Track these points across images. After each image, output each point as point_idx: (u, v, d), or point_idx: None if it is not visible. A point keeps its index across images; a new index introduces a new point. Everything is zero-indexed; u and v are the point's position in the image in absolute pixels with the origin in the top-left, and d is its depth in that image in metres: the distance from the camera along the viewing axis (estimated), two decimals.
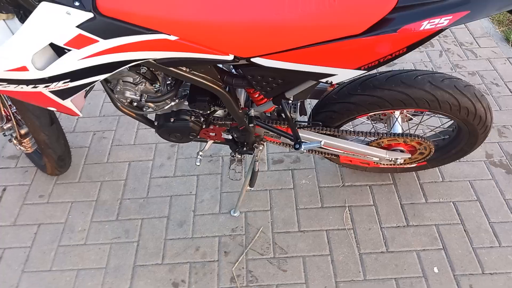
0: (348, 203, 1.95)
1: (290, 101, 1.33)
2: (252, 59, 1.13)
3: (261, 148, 1.65)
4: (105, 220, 1.93)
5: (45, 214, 1.95)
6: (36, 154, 2.03)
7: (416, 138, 1.61)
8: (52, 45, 1.04)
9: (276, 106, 1.46)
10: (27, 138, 1.82)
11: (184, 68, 1.22)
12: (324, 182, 2.04)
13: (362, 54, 1.09)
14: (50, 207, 1.98)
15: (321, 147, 1.61)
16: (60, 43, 1.02)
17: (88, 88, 1.24)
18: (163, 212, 1.95)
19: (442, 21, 1.00)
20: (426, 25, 1.01)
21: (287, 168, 2.11)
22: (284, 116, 1.45)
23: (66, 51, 1.04)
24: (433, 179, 2.03)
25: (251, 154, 1.68)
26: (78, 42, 1.03)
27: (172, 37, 1.05)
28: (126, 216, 1.94)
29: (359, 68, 1.14)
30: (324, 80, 1.19)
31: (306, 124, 1.55)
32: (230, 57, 1.12)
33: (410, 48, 1.07)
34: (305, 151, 1.43)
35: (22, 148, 1.83)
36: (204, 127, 1.54)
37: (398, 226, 1.86)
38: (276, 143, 1.68)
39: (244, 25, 1.05)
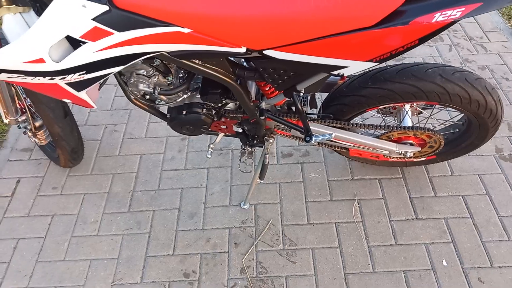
0: (357, 197, 1.96)
1: (301, 94, 1.34)
2: (264, 52, 1.15)
3: (271, 141, 1.67)
4: (117, 211, 1.96)
5: (58, 206, 1.99)
6: (49, 147, 2.06)
7: (426, 131, 1.61)
8: (68, 38, 1.06)
9: (287, 99, 1.47)
10: (42, 131, 1.85)
11: (196, 61, 1.23)
12: (334, 175, 2.05)
13: (374, 46, 1.10)
14: (63, 198, 2.02)
15: (331, 140, 1.63)
16: (76, 35, 1.04)
17: (102, 80, 1.26)
18: (174, 204, 1.98)
19: (454, 13, 1.01)
20: (438, 17, 1.02)
21: (297, 161, 2.12)
22: (294, 109, 1.47)
23: (82, 43, 1.07)
24: (442, 173, 2.03)
25: (262, 147, 1.69)
26: (93, 35, 1.05)
27: (186, 30, 1.06)
28: (138, 208, 1.97)
29: (370, 60, 1.15)
30: (335, 72, 1.20)
31: (317, 117, 1.57)
32: (243, 50, 1.13)
33: (422, 40, 1.08)
34: (315, 143, 1.44)
35: (36, 140, 1.87)
36: (215, 120, 1.56)
37: (407, 219, 1.87)
38: (286, 136, 1.69)
39: (257, 17, 1.06)
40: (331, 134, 1.41)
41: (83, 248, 1.83)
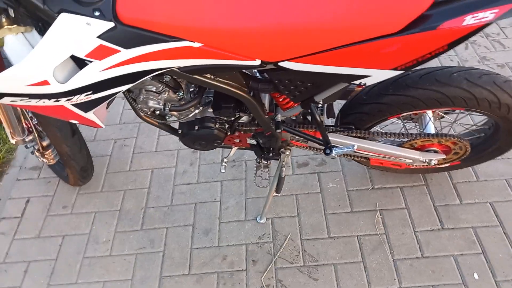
0: (379, 207, 1.88)
1: (320, 105, 1.27)
2: (280, 63, 1.07)
3: (287, 153, 1.59)
4: (129, 230, 1.90)
5: (69, 225, 1.93)
6: (58, 165, 2.01)
7: (452, 138, 1.53)
8: (73, 57, 1.01)
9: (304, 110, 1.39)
10: (50, 150, 1.80)
11: (208, 75, 1.17)
12: (353, 185, 1.97)
13: (399, 54, 1.03)
14: (74, 218, 1.96)
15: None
16: (81, 54, 0.99)
17: (110, 99, 1.20)
18: (188, 220, 1.91)
19: (487, 14, 0.92)
20: (470, 20, 0.93)
21: (313, 171, 2.04)
22: (311, 119, 1.39)
23: (88, 62, 1.01)
24: (466, 178, 1.94)
25: (277, 159, 1.62)
26: (99, 53, 0.99)
27: (196, 44, 1.00)
28: (151, 225, 1.90)
29: (395, 69, 1.07)
30: (357, 82, 1.13)
31: (338, 128, 1.48)
32: (257, 62, 1.06)
33: (452, 45, 0.99)
34: (336, 156, 1.36)
35: (44, 160, 1.81)
36: (229, 134, 1.49)
37: (433, 230, 1.78)
38: (303, 147, 1.62)
39: (271, 29, 0.99)
40: (354, 146, 1.33)
41: (95, 270, 1.77)
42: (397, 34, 0.98)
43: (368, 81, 1.12)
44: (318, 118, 1.32)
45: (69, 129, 1.71)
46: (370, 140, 1.56)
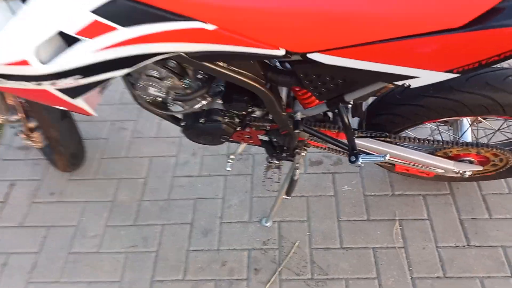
0: (398, 216, 1.69)
1: (350, 105, 1.07)
2: (308, 55, 0.87)
3: (303, 154, 1.40)
4: (121, 224, 1.72)
5: (55, 215, 1.75)
6: (48, 147, 1.82)
7: (494, 149, 1.33)
8: (61, 34, 0.83)
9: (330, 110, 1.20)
10: (37, 133, 1.60)
11: (221, 63, 0.97)
12: (371, 189, 1.77)
13: (459, 54, 0.82)
14: (61, 207, 1.78)
15: None
16: (71, 31, 0.82)
17: (103, 84, 1.01)
18: (186, 217, 1.73)
19: None
20: None
21: (327, 171, 1.85)
22: (337, 120, 1.20)
23: (78, 41, 0.83)
24: (498, 190, 1.74)
25: (291, 160, 1.43)
26: (92, 31, 0.82)
27: (210, 26, 0.80)
28: (145, 221, 1.73)
29: (450, 71, 0.86)
30: (400, 82, 0.92)
31: (370, 134, 1.28)
32: (281, 52, 0.87)
33: None
34: (363, 165, 1.17)
35: (31, 143, 1.62)
36: (238, 129, 1.30)
37: (457, 246, 1.60)
38: (322, 148, 1.43)
39: (302, 12, 0.79)
40: (385, 155, 1.12)
41: (81, 268, 1.60)
42: (460, 30, 0.78)
43: (414, 83, 0.92)
44: (347, 121, 1.12)
45: (59, 111, 1.52)
46: (399, 146, 1.36)
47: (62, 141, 1.58)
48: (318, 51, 0.87)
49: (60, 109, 1.50)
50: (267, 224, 1.68)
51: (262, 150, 1.45)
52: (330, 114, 1.37)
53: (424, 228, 1.65)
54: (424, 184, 1.77)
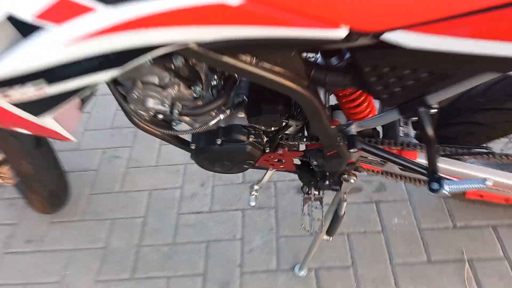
0: (467, 255, 1.33)
1: (434, 111, 0.74)
2: (385, 35, 0.55)
3: (352, 181, 1.05)
4: (115, 278, 1.36)
5: (33, 269, 1.40)
6: (22, 184, 1.48)
7: None
8: (11, 20, 0.54)
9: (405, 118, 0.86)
10: (4, 167, 1.27)
11: (247, 58, 0.64)
12: (426, 221, 1.42)
13: None
14: (40, 257, 1.43)
15: None
16: (28, 15, 0.53)
17: (82, 95, 0.68)
18: (197, 267, 1.37)
19: None
20: None
21: (369, 199, 1.50)
22: (417, 132, 0.86)
23: (38, 29, 0.54)
24: None
25: (337, 190, 1.08)
26: (60, 13, 0.53)
27: (234, 0, 0.48)
28: (145, 273, 1.37)
29: None
30: None
31: (452, 149, 0.93)
32: (342, 32, 0.55)
33: None
34: (449, 194, 0.82)
35: None
36: (267, 151, 0.96)
37: None
38: (378, 172, 1.08)
39: None
40: (485, 180, 0.78)
41: None
42: None
43: None
44: (430, 131, 0.77)
45: (32, 137, 1.19)
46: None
47: (37, 176, 1.24)
48: (402, 27, 0.54)
49: (32, 135, 1.18)
50: (302, 273, 1.31)
51: (285, 176, 1.13)
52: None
53: (502, 268, 1.30)
54: (491, 211, 1.42)
